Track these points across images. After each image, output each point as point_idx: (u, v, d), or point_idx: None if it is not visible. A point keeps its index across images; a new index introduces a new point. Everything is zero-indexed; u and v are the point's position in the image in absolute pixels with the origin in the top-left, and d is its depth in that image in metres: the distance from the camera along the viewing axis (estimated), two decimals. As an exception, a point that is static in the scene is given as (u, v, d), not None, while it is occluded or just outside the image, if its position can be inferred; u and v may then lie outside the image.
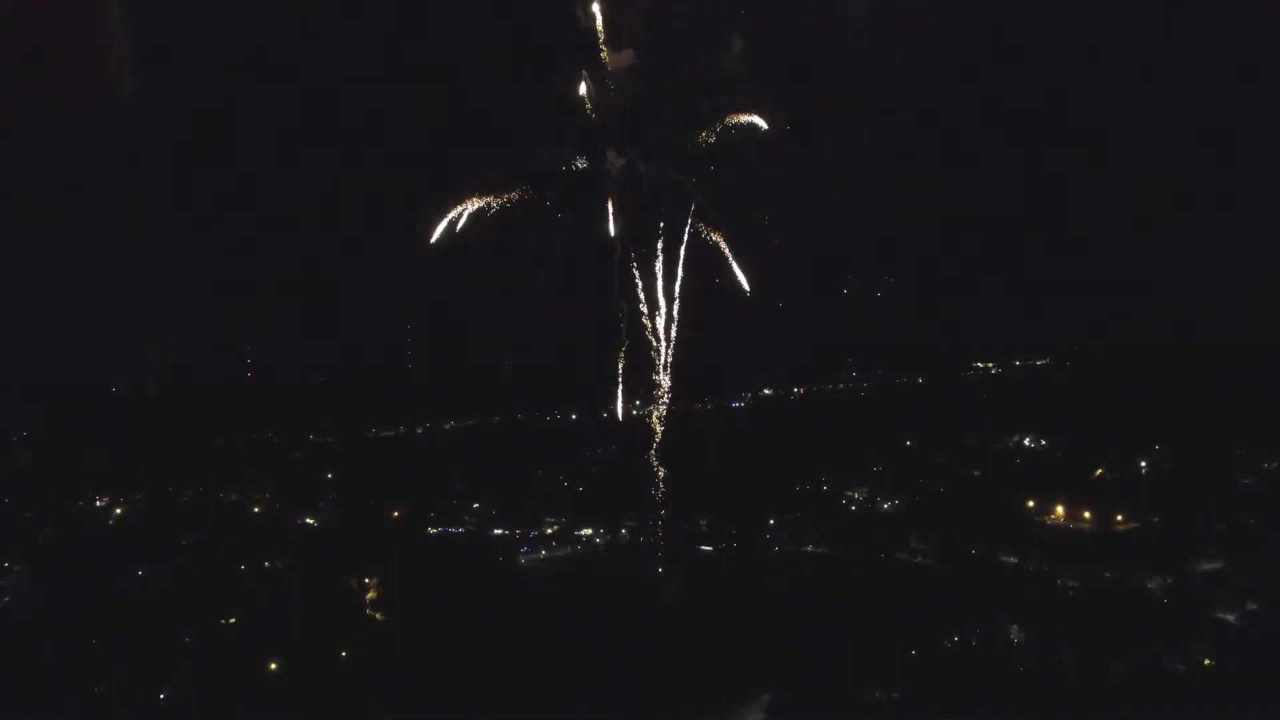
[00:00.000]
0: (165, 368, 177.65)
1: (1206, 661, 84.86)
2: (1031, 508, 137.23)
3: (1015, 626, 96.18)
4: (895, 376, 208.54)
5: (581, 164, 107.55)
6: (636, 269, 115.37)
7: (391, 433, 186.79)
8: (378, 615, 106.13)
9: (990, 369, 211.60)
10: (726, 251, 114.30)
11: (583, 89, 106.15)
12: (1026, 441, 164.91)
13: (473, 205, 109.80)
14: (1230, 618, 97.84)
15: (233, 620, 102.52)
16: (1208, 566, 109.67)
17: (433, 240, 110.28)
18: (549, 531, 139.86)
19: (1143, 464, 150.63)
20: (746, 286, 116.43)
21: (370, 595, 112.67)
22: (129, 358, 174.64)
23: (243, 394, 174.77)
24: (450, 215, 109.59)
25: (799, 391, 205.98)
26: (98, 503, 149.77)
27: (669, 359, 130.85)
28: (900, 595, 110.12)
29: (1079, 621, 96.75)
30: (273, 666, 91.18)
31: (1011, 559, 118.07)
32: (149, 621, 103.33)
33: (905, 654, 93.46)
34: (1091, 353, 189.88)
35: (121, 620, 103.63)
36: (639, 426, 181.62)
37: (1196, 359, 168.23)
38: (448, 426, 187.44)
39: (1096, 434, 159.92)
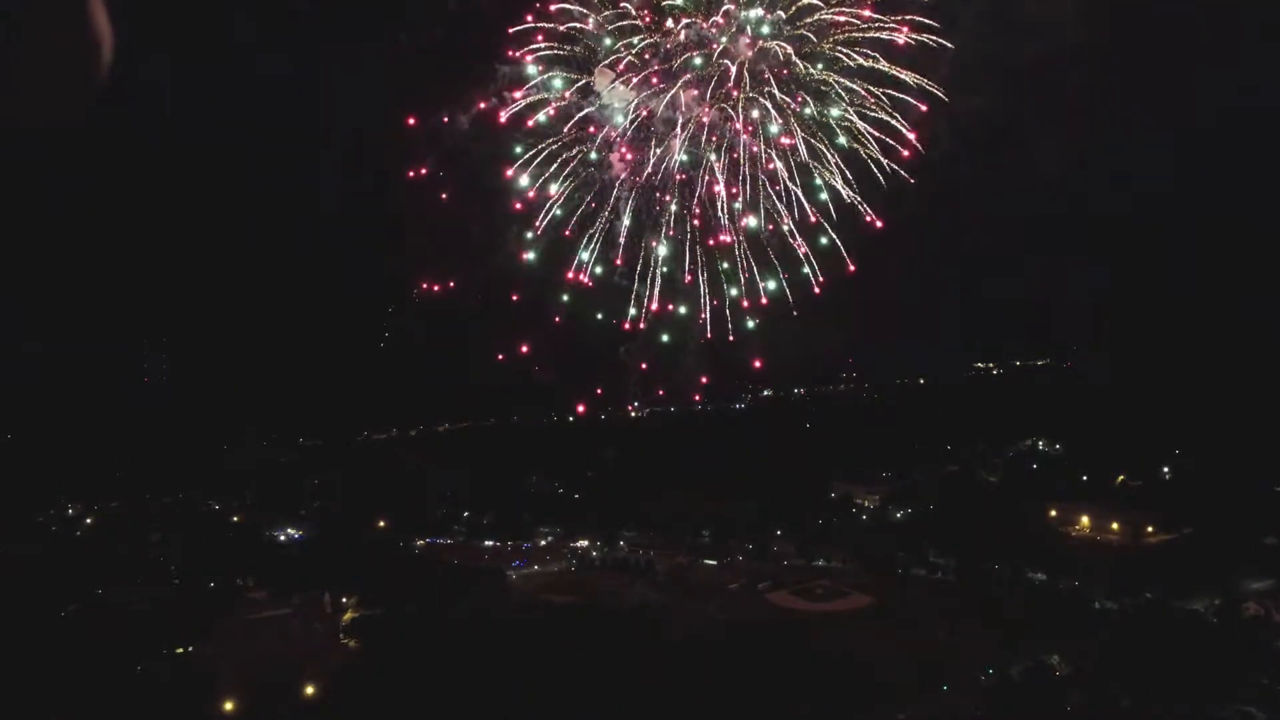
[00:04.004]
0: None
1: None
2: (1054, 518, 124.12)
3: (1056, 658, 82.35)
4: (896, 377, 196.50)
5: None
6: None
7: (383, 435, 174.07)
8: (351, 643, 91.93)
9: (991, 369, 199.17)
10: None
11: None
12: (1040, 445, 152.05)
13: None
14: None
15: (190, 648, 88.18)
16: (1257, 585, 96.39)
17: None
18: (542, 544, 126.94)
19: (1165, 470, 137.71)
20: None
21: (347, 617, 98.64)
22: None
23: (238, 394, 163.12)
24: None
25: (799, 392, 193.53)
26: (69, 510, 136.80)
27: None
28: (923, 617, 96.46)
29: (1126, 650, 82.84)
30: (228, 706, 77.12)
31: (1039, 576, 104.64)
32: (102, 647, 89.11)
33: (936, 688, 79.59)
34: (1097, 352, 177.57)
35: (74, 647, 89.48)
36: (639, 428, 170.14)
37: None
38: (441, 429, 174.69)
39: (1111, 437, 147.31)
